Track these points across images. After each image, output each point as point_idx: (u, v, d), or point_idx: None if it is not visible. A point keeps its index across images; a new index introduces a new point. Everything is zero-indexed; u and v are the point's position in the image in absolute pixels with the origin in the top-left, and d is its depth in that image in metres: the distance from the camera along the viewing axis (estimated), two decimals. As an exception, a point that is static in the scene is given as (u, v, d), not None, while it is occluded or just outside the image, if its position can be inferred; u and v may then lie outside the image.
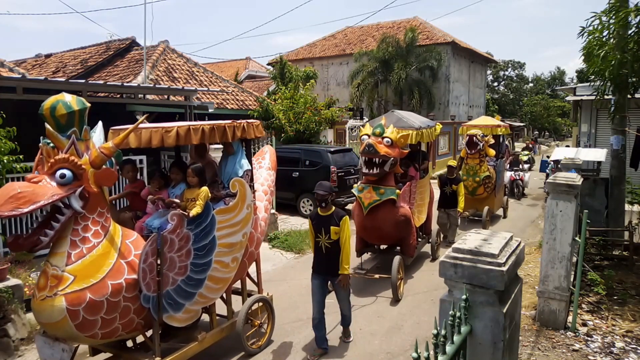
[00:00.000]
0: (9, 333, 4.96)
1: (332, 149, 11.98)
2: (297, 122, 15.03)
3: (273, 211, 9.94)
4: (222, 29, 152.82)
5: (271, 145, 10.28)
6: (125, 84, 10.06)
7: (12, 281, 5.31)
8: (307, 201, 11.69)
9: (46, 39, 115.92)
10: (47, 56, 19.30)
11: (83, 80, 9.93)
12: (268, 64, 28.65)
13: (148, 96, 11.54)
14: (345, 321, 5.26)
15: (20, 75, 8.80)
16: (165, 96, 12.16)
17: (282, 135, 15.16)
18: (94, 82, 10.64)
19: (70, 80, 9.85)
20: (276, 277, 7.58)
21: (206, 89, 13.13)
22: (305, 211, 11.53)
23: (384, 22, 29.07)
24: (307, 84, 17.07)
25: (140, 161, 8.34)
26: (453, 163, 9.45)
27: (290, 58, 23.88)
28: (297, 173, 11.75)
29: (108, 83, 10.16)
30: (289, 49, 44.58)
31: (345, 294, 5.10)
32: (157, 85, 11.10)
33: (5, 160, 5.09)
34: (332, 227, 4.81)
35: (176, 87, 11.99)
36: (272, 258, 8.58)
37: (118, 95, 11.48)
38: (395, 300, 6.40)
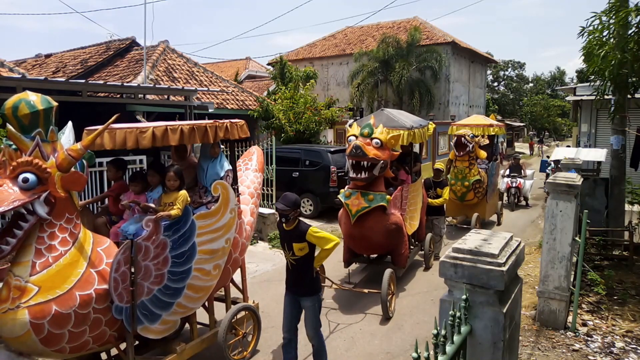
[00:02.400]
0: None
1: (332, 149, 11.98)
2: (297, 122, 15.03)
3: (273, 211, 9.93)
4: (222, 29, 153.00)
5: (271, 145, 10.32)
6: (125, 84, 10.07)
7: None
8: (307, 201, 11.69)
9: (46, 39, 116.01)
10: (47, 56, 19.32)
11: (83, 80, 9.94)
12: (268, 64, 28.64)
13: (148, 96, 11.56)
14: (319, 356, 4.48)
15: (20, 75, 8.81)
16: (165, 96, 12.18)
17: (282, 135, 15.17)
18: (94, 82, 10.65)
19: (70, 80, 9.86)
20: (276, 277, 7.57)
21: (206, 89, 13.16)
22: (306, 211, 11.54)
23: (384, 22, 29.06)
24: (307, 84, 17.07)
25: (140, 161, 8.36)
26: (440, 166, 8.84)
27: (290, 58, 23.87)
28: (297, 173, 11.76)
29: (108, 83, 10.17)
30: (289, 49, 44.64)
31: (312, 319, 4.37)
32: (157, 85, 11.12)
33: (4, 161, 5.07)
34: (294, 244, 4.20)
35: (176, 87, 12.00)
36: (272, 258, 8.57)
37: (118, 95, 11.50)
38: (386, 318, 5.87)
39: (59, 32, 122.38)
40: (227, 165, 4.75)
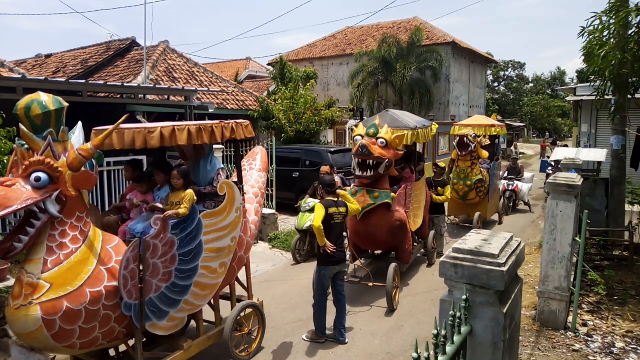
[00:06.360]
0: (9, 333, 4.96)
1: (332, 149, 11.97)
2: (297, 122, 15.02)
3: (273, 211, 9.93)
4: (222, 29, 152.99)
5: (271, 145, 10.31)
6: (125, 84, 10.06)
7: (13, 281, 5.30)
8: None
9: (46, 39, 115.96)
10: (47, 56, 19.31)
11: (83, 80, 9.94)
12: (268, 64, 28.63)
13: (148, 96, 11.55)
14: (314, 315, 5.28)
15: (20, 75, 8.80)
16: (165, 96, 12.17)
17: (282, 135, 15.16)
18: (94, 82, 10.65)
19: (70, 80, 9.85)
20: (276, 277, 7.58)
21: (206, 89, 13.14)
22: (305, 211, 11.52)
23: (384, 22, 29.05)
24: (307, 84, 17.06)
25: (141, 161, 8.36)
26: (441, 164, 8.95)
27: (290, 58, 23.86)
28: (297, 173, 11.76)
29: (108, 83, 10.17)
30: (289, 49, 44.63)
31: (314, 284, 5.42)
32: (157, 85, 11.11)
33: (5, 160, 5.08)
34: None
35: (176, 87, 12.00)
36: (272, 258, 8.57)
37: (118, 95, 11.49)
38: (390, 310, 6.07)
39: (59, 32, 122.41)
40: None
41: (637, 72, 6.84)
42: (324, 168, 8.38)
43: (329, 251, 5.02)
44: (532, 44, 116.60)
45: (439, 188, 8.49)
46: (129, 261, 3.59)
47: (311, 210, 7.88)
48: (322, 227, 4.96)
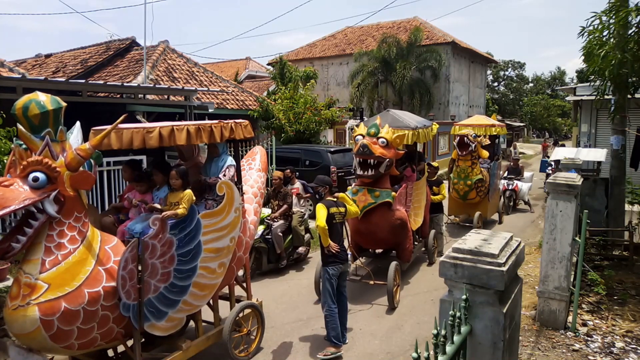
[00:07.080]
0: (9, 333, 4.95)
1: (332, 149, 11.97)
2: (297, 122, 15.03)
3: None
4: (222, 29, 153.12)
5: (271, 145, 10.32)
6: (125, 84, 10.07)
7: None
8: (307, 201, 11.66)
9: (46, 39, 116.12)
10: (47, 56, 19.32)
11: (83, 80, 9.94)
12: (268, 64, 28.64)
13: (148, 96, 11.56)
14: (326, 326, 5.06)
15: (20, 75, 8.80)
16: (165, 96, 12.18)
17: (282, 135, 15.17)
18: (94, 82, 10.66)
19: (70, 80, 9.85)
20: (276, 277, 7.57)
21: (206, 89, 13.15)
22: (306, 211, 11.51)
23: (384, 22, 29.08)
24: (307, 84, 17.06)
25: (141, 161, 8.35)
26: (434, 164, 8.99)
27: (290, 58, 23.86)
28: (297, 173, 11.74)
29: (108, 83, 10.18)
30: (289, 49, 44.63)
31: (322, 288, 5.22)
32: (157, 85, 11.12)
33: (5, 160, 5.08)
34: None
35: (176, 87, 12.00)
36: (272, 258, 8.54)
37: (118, 95, 11.50)
38: (391, 308, 6.11)
39: (59, 32, 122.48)
40: (229, 161, 4.79)
41: (637, 72, 6.83)
42: (277, 173, 8.10)
43: (333, 251, 5.01)
44: (532, 44, 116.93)
45: (434, 187, 8.55)
46: (128, 262, 3.58)
47: (260, 222, 7.67)
48: (326, 227, 4.93)
